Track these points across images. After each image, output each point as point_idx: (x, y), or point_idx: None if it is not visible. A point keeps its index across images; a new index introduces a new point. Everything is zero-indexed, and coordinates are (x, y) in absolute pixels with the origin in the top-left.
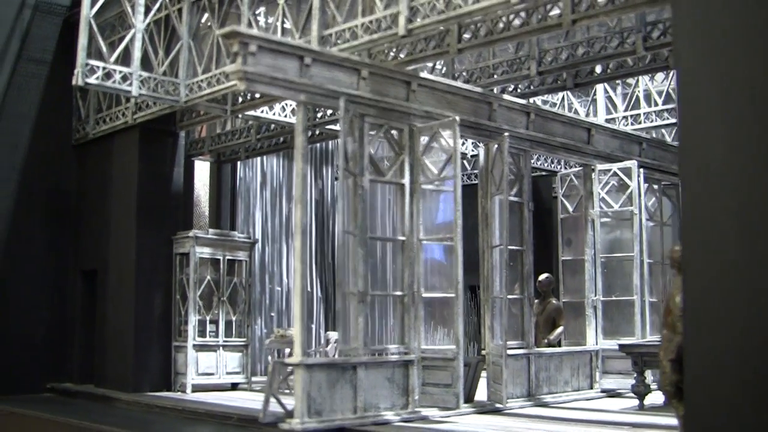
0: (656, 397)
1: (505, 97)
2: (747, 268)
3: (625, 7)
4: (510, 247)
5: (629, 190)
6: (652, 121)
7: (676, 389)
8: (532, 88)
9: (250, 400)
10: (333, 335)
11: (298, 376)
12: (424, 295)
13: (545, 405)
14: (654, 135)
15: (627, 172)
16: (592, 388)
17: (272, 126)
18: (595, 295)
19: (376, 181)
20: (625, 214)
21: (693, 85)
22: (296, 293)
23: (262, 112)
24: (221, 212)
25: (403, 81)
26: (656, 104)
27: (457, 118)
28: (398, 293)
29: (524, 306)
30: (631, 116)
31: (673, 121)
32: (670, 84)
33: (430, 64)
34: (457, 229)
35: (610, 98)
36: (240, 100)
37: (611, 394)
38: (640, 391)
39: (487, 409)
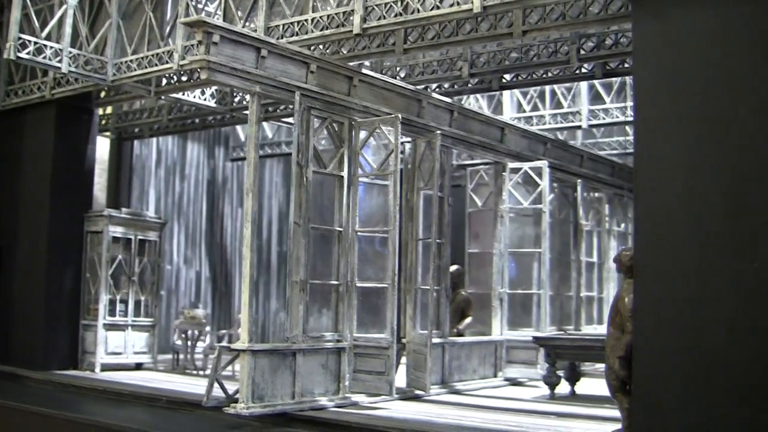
0: (564, 387)
1: (434, 95)
2: (695, 273)
3: (576, 23)
4: (433, 240)
5: (539, 189)
6: (557, 123)
7: (620, 384)
8: (456, 87)
9: (167, 381)
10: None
11: (244, 361)
12: (359, 284)
13: (458, 392)
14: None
15: (537, 170)
16: (496, 376)
17: (184, 107)
18: (502, 288)
19: (318, 173)
20: (529, 210)
21: (649, 100)
22: (245, 281)
23: (183, 94)
24: (120, 190)
25: (346, 76)
26: (560, 106)
27: (400, 115)
28: (334, 282)
29: (441, 297)
30: (536, 117)
31: (578, 123)
32: (575, 87)
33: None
34: (394, 222)
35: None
36: (164, 82)
37: (513, 382)
38: (552, 381)
39: (409, 395)
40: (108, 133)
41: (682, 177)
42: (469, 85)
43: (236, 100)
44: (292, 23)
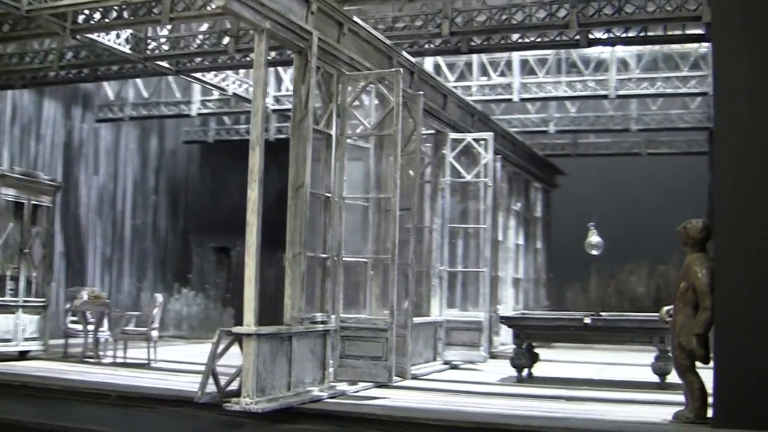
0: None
1: (403, 53)
2: None
3: None
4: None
5: (484, 161)
6: (484, 94)
7: (692, 363)
8: (416, 47)
9: (87, 372)
10: (160, 297)
11: (250, 347)
12: (346, 258)
13: (417, 377)
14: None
15: (482, 142)
16: (435, 359)
17: (82, 54)
18: (441, 265)
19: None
20: (471, 184)
21: (730, 69)
22: (250, 253)
23: (98, 36)
24: None
25: (337, 22)
26: (489, 77)
27: (401, 70)
28: (322, 255)
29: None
30: (462, 87)
31: (508, 96)
32: (505, 59)
33: None
34: (396, 189)
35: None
36: (81, 19)
37: (451, 365)
38: (521, 363)
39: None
40: None
41: (764, 146)
42: (432, 46)
43: (150, 47)
44: None
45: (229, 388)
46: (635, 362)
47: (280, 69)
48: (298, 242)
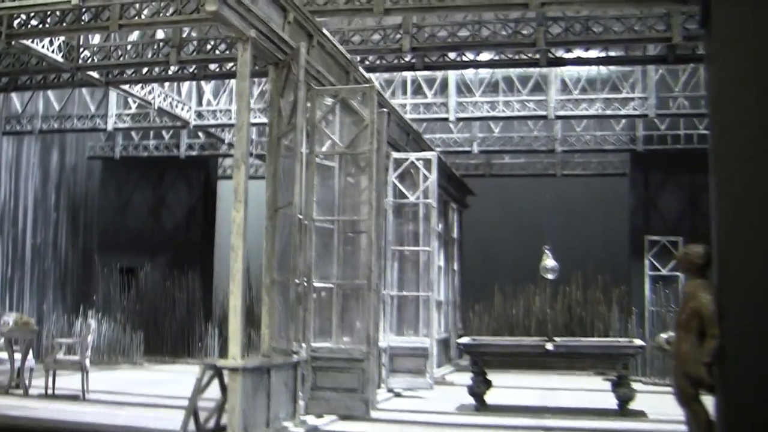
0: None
1: (360, 69)
2: None
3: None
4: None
5: (427, 182)
6: (419, 113)
7: (696, 392)
8: (368, 62)
9: (28, 407)
10: (93, 323)
11: (236, 383)
12: (316, 284)
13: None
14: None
15: (425, 162)
16: (379, 387)
17: (4, 62)
18: (384, 289)
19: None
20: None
21: (726, 89)
22: (235, 280)
23: (33, 42)
24: None
25: (308, 34)
26: (425, 96)
27: (375, 84)
28: (296, 281)
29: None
30: (398, 105)
31: (444, 115)
32: (440, 78)
33: None
34: (372, 211)
35: None
36: (15, 24)
37: (395, 393)
38: (479, 391)
39: (345, 415)
40: None
41: (764, 170)
42: (385, 62)
43: (83, 55)
44: None
45: (208, 425)
46: (577, 387)
47: (202, 82)
48: (277, 267)
